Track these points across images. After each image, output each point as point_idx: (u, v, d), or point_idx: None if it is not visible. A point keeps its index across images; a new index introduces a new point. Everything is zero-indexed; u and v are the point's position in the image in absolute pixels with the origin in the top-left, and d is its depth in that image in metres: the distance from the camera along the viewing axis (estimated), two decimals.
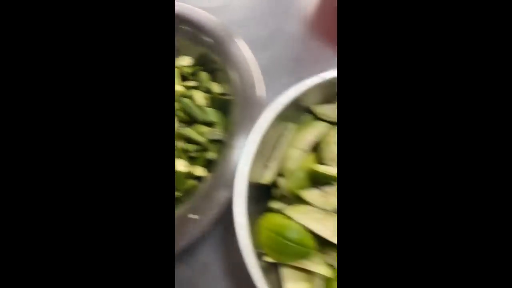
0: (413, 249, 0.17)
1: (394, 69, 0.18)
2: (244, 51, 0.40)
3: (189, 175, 0.34)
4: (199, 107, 0.38)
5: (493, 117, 0.17)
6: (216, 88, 0.40)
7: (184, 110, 0.37)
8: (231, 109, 0.38)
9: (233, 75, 0.39)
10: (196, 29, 0.41)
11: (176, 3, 0.41)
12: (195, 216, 0.29)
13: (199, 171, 0.35)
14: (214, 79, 0.41)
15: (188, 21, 0.42)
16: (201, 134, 0.36)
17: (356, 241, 0.17)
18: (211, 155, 0.36)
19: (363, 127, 0.18)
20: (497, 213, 0.16)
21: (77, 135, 0.17)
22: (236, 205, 0.30)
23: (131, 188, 0.17)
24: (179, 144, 0.36)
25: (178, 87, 0.39)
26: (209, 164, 0.36)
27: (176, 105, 0.37)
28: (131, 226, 0.17)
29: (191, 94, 0.38)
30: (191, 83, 0.40)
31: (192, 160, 0.36)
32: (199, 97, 0.38)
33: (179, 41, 0.42)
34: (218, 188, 0.32)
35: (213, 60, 0.41)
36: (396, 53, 0.18)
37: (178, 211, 0.31)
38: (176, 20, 0.41)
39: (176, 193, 0.34)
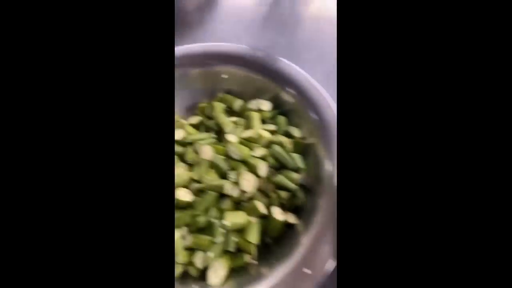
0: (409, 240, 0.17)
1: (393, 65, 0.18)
2: (321, 91, 0.39)
3: (285, 223, 0.33)
4: (288, 153, 0.37)
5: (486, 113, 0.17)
6: (296, 132, 0.39)
7: (275, 156, 0.37)
8: (310, 152, 0.37)
9: (312, 117, 0.38)
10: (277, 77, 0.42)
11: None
12: (308, 271, 0.28)
13: (292, 218, 0.34)
14: (290, 122, 0.41)
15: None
16: (291, 180, 0.35)
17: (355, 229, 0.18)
18: (299, 201, 0.34)
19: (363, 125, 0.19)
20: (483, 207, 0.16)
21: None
22: None
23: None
24: (272, 191, 0.35)
25: (266, 134, 0.39)
26: (296, 211, 0.34)
27: (266, 151, 0.37)
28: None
29: (280, 141, 0.38)
30: (271, 127, 0.40)
31: (283, 207, 0.35)
32: (286, 143, 0.38)
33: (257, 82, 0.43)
34: (320, 239, 0.30)
35: (288, 102, 0.41)
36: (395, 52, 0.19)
37: (289, 265, 0.29)
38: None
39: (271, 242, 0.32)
